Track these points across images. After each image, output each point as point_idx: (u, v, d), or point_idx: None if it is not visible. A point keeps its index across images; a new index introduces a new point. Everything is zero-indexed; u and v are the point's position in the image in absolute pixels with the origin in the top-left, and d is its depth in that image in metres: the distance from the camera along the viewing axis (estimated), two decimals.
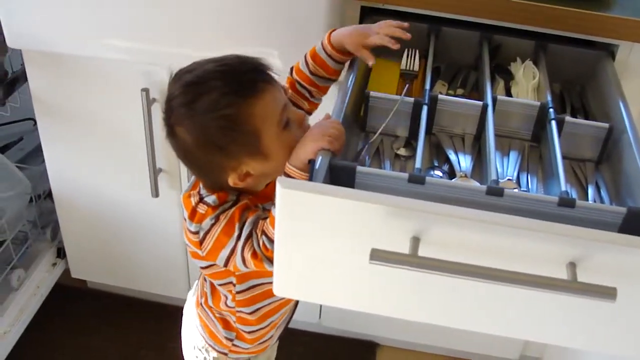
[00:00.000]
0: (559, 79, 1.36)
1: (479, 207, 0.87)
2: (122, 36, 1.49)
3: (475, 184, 1.06)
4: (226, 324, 1.23)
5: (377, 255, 0.83)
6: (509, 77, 1.33)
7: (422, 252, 0.84)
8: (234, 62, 1.04)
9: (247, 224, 1.02)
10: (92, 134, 1.70)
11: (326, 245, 0.90)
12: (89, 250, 1.95)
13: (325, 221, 0.88)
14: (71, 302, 2.08)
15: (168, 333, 2.00)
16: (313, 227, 0.89)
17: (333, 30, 1.19)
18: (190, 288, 1.94)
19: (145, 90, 1.54)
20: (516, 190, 1.07)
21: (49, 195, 1.89)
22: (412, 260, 0.83)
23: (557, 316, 0.92)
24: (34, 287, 1.90)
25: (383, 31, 1.17)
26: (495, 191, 0.95)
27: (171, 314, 2.04)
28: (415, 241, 0.85)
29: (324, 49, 1.18)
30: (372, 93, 1.17)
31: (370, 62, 1.16)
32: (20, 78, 1.70)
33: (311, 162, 0.94)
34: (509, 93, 1.30)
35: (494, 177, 1.01)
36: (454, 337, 1.91)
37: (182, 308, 2.01)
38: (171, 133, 1.04)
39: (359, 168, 0.96)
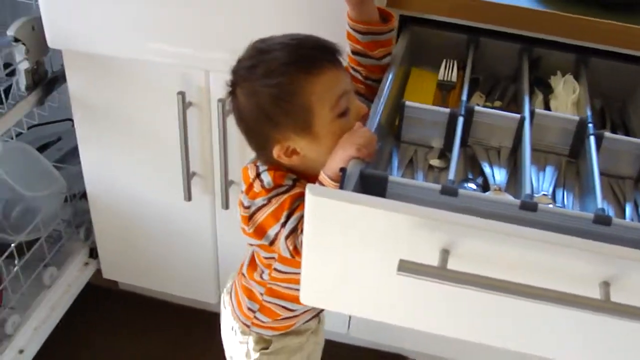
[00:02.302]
0: (600, 94, 1.33)
1: (512, 222, 0.85)
2: (161, 39, 1.49)
3: (509, 197, 1.04)
4: (250, 294, 1.24)
5: (405, 267, 0.82)
6: (548, 90, 1.30)
7: (451, 265, 0.82)
8: (304, 39, 1.06)
9: (294, 217, 1.02)
10: (128, 136, 1.71)
11: (354, 255, 0.89)
12: (121, 251, 1.96)
13: (354, 230, 0.86)
14: (102, 302, 2.09)
15: (196, 336, 2.01)
16: (342, 235, 0.88)
17: None
18: (220, 293, 1.96)
19: (182, 94, 1.55)
20: (551, 205, 1.04)
21: (84, 195, 1.91)
22: (441, 273, 0.82)
23: (589, 336, 0.90)
24: (66, 286, 1.91)
25: None
26: (529, 206, 0.93)
27: (200, 318, 2.05)
28: (445, 254, 0.84)
29: (348, 24, 1.19)
30: (407, 103, 1.16)
31: None
32: (60, 78, 1.72)
33: (343, 170, 0.93)
34: (547, 107, 1.27)
35: (528, 191, 0.99)
36: (483, 352, 1.88)
37: (210, 313, 2.03)
38: (232, 93, 1.08)
39: (391, 178, 0.95)
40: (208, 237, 1.82)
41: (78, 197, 1.96)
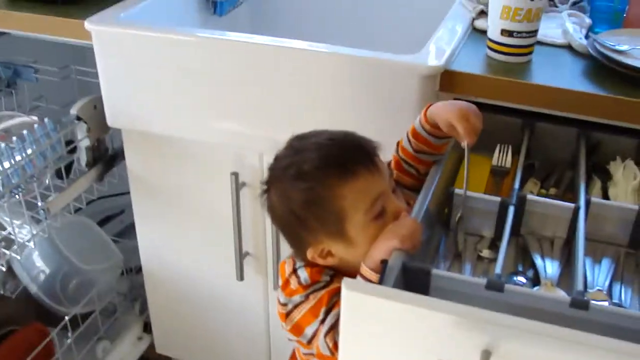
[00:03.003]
0: None
1: (562, 320, 0.80)
2: (215, 119, 1.51)
3: (560, 293, 1.00)
4: None
5: None
6: (607, 177, 1.26)
7: None
8: (340, 140, 1.04)
9: (332, 313, 0.99)
10: (183, 213, 1.72)
11: (391, 353, 0.86)
12: (174, 326, 1.95)
13: (390, 327, 0.83)
14: None
15: None
16: (377, 332, 0.84)
17: (430, 105, 1.13)
18: None
19: (235, 174, 1.56)
20: (605, 303, 0.99)
21: (140, 269, 1.92)
22: None
23: None
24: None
25: (472, 126, 1.07)
26: (580, 304, 0.88)
27: None
28: (486, 355, 0.79)
29: (422, 126, 1.13)
30: (457, 190, 1.13)
31: (463, 142, 1.07)
32: (119, 155, 1.75)
33: (384, 262, 0.91)
34: (606, 194, 1.22)
35: (580, 287, 0.94)
36: None
37: None
38: (265, 191, 1.07)
39: (435, 271, 0.92)
40: (260, 317, 1.80)
41: (135, 270, 1.98)
